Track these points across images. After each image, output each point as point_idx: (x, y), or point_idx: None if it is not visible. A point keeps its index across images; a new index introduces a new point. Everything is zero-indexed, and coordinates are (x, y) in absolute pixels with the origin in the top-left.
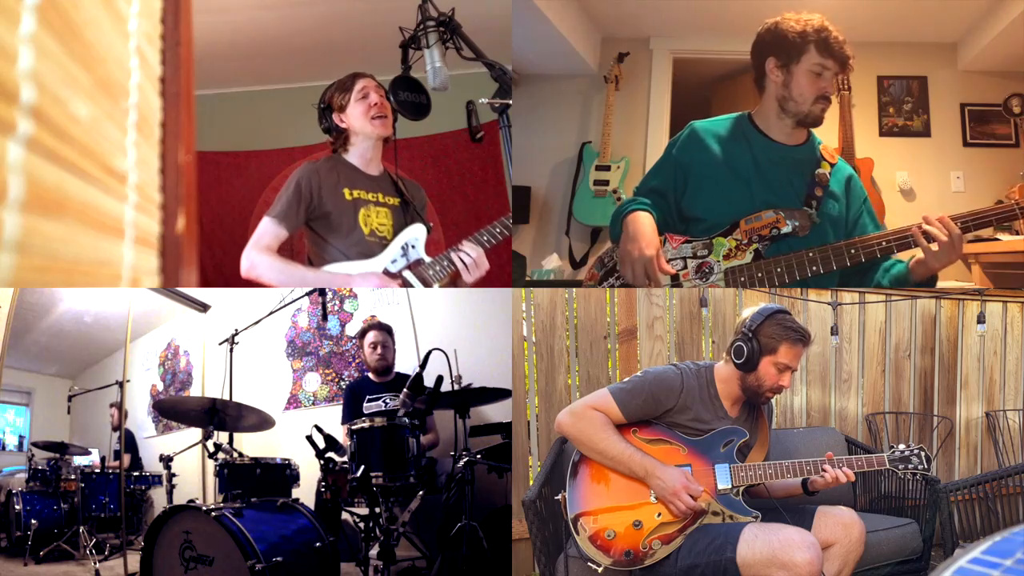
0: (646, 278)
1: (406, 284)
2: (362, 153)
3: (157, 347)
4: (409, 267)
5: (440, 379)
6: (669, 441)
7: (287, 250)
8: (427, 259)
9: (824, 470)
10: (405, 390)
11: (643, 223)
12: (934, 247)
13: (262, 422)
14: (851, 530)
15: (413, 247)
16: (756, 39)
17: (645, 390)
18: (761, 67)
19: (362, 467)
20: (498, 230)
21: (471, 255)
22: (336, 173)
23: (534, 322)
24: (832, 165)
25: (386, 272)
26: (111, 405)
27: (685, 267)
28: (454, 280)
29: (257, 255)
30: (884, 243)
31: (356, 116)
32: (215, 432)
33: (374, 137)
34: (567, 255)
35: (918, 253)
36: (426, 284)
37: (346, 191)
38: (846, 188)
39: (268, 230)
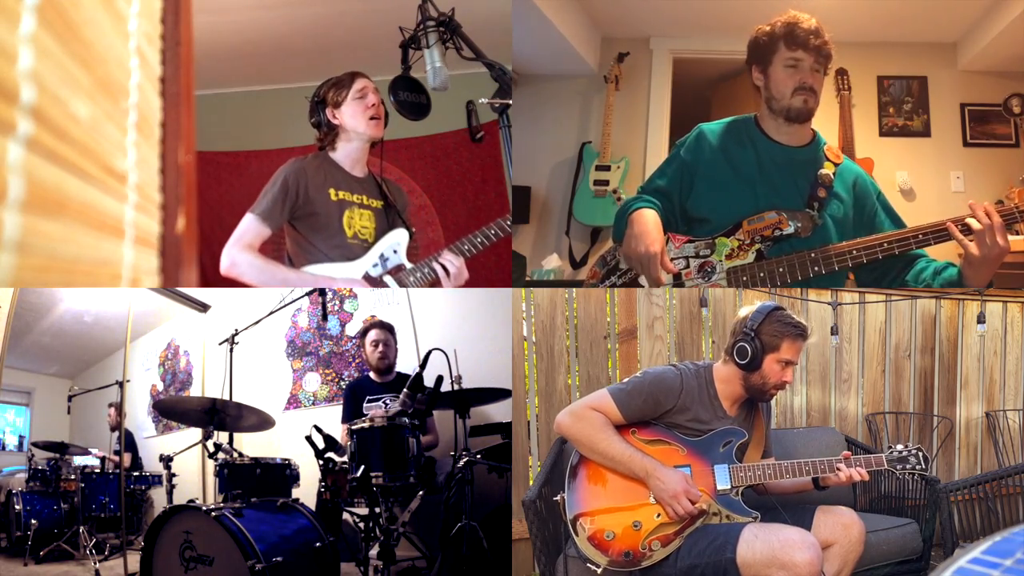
0: (649, 274)
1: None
2: (349, 153)
3: (157, 347)
4: (390, 272)
5: (440, 379)
6: (668, 442)
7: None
8: (408, 265)
9: (838, 469)
10: (405, 390)
11: (648, 220)
12: (972, 245)
13: (262, 422)
14: (851, 530)
15: (395, 251)
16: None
17: (644, 391)
18: (752, 76)
19: (362, 467)
20: (479, 239)
21: (452, 264)
22: (323, 172)
23: (534, 322)
24: (837, 165)
25: (367, 277)
26: (110, 405)
27: (688, 266)
28: (433, 287)
29: (238, 253)
30: (885, 244)
31: (351, 115)
32: (215, 432)
33: (365, 137)
34: (567, 255)
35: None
36: None
37: (332, 191)
38: (852, 189)
39: (251, 228)
